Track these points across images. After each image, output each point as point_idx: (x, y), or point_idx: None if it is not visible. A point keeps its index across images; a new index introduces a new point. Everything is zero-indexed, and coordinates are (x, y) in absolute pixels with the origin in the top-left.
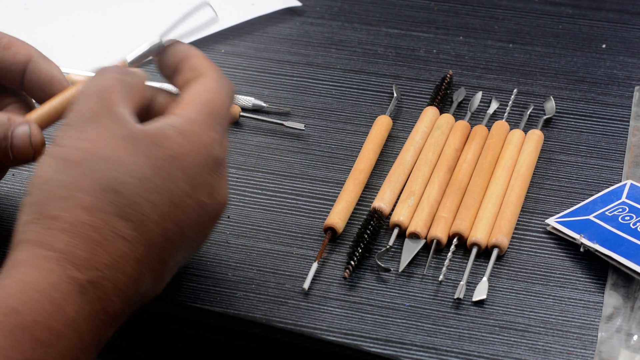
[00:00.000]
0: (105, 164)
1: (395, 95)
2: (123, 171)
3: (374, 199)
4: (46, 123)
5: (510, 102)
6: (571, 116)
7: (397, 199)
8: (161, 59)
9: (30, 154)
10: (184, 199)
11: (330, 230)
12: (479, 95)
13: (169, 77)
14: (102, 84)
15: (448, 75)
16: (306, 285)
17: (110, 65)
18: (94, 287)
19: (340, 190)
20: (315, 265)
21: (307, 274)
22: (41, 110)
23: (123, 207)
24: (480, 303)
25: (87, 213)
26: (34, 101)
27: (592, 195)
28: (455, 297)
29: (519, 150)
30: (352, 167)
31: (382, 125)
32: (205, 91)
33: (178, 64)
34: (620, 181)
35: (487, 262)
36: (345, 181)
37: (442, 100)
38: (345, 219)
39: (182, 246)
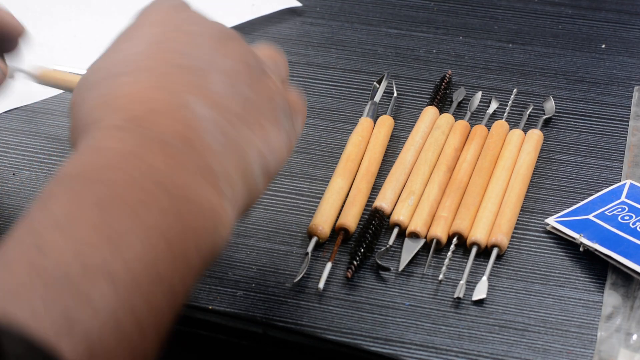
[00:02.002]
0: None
1: (394, 94)
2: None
3: (375, 198)
4: None
5: (509, 102)
6: (571, 116)
7: (398, 198)
8: None
9: None
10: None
11: (343, 230)
12: (479, 95)
13: None
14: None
15: (447, 75)
16: (321, 285)
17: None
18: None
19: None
20: (329, 265)
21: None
22: None
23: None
24: (480, 302)
25: (211, 110)
26: None
27: (591, 195)
28: (455, 296)
29: (518, 150)
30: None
31: (386, 126)
32: None
33: None
34: (620, 181)
35: (487, 262)
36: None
37: (441, 100)
38: (357, 220)
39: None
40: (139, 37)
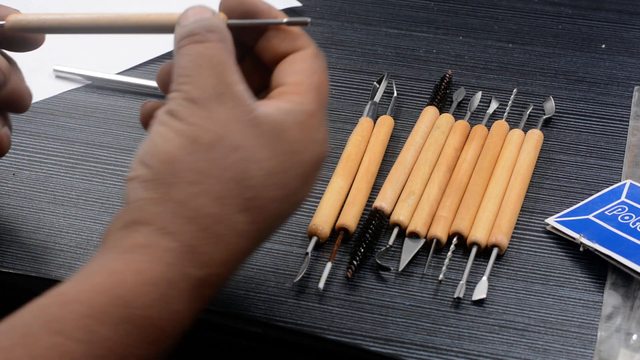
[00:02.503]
0: (236, 153)
1: (395, 94)
2: (251, 162)
3: (375, 198)
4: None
5: (509, 102)
6: (571, 116)
7: (398, 198)
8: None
9: None
10: (296, 194)
11: (343, 230)
12: (479, 95)
13: (252, 39)
14: (211, 54)
15: (447, 75)
16: (321, 285)
17: (201, 21)
18: (203, 284)
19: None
20: (329, 265)
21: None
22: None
23: (247, 200)
24: (480, 302)
25: (214, 203)
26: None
27: (591, 194)
28: (455, 296)
29: (518, 149)
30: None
31: (386, 126)
32: (312, 72)
33: (266, 29)
34: (620, 181)
35: (487, 262)
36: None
37: (441, 100)
38: (356, 220)
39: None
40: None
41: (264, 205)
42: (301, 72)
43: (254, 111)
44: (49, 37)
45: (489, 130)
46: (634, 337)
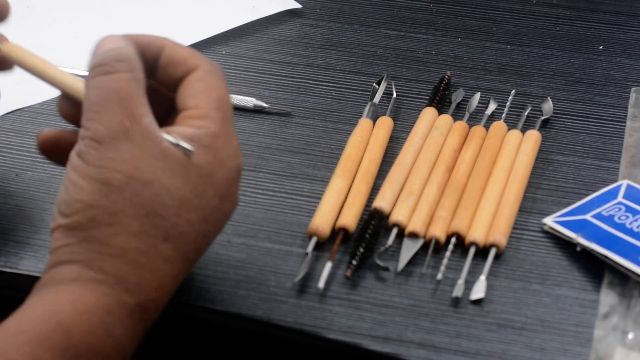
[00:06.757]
0: (147, 189)
1: (394, 95)
2: (164, 194)
3: (374, 198)
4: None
5: (508, 103)
6: (568, 117)
7: (397, 199)
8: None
9: None
10: (215, 213)
11: (343, 230)
12: (477, 96)
13: (150, 74)
14: (118, 87)
15: (446, 76)
16: (321, 284)
17: (111, 51)
18: (142, 309)
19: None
20: (329, 265)
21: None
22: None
23: (166, 229)
24: (478, 301)
25: (135, 238)
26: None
27: (588, 195)
28: (453, 295)
29: (516, 150)
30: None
31: (385, 127)
32: (209, 90)
33: (158, 60)
34: (617, 181)
35: (485, 261)
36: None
37: (440, 101)
38: (356, 220)
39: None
40: None
41: (184, 230)
42: (198, 93)
43: (161, 143)
44: (51, 38)
45: (487, 131)
46: (630, 335)
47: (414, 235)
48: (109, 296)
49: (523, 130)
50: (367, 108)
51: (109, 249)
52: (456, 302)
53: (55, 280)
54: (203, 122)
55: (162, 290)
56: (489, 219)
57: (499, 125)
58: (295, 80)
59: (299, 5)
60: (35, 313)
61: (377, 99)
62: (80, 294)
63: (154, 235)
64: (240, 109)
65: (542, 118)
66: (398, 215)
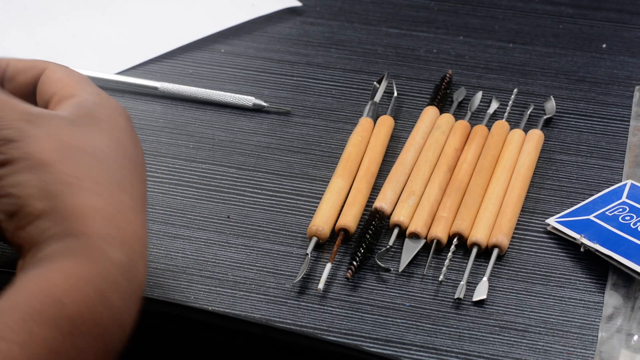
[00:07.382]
0: (77, 151)
1: (395, 94)
2: (96, 150)
3: (375, 199)
4: None
5: (510, 102)
6: (571, 116)
7: (398, 199)
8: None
9: None
10: (138, 156)
11: (343, 231)
12: (479, 95)
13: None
14: None
15: (448, 75)
16: (321, 285)
17: None
18: (130, 264)
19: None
20: (329, 266)
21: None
22: None
23: (115, 179)
24: (480, 303)
25: (94, 194)
26: None
27: (592, 195)
28: (455, 297)
29: (519, 150)
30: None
31: (386, 126)
32: (66, 74)
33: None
34: (621, 181)
35: (487, 262)
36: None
37: (442, 100)
38: (357, 221)
39: None
40: None
41: (127, 177)
42: (57, 79)
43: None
44: (49, 37)
45: (489, 130)
46: (635, 337)
47: (415, 236)
48: (98, 259)
49: (525, 130)
50: (367, 107)
51: (77, 211)
52: (458, 303)
53: (41, 259)
54: (77, 93)
55: (141, 242)
56: (492, 220)
57: (501, 125)
58: (295, 79)
59: (298, 3)
60: (28, 289)
61: (377, 98)
62: (71, 265)
63: (109, 187)
64: (239, 108)
65: (545, 117)
66: (399, 216)
